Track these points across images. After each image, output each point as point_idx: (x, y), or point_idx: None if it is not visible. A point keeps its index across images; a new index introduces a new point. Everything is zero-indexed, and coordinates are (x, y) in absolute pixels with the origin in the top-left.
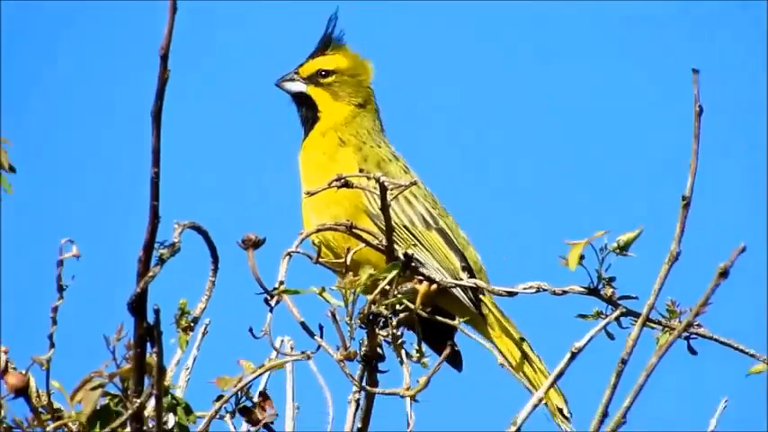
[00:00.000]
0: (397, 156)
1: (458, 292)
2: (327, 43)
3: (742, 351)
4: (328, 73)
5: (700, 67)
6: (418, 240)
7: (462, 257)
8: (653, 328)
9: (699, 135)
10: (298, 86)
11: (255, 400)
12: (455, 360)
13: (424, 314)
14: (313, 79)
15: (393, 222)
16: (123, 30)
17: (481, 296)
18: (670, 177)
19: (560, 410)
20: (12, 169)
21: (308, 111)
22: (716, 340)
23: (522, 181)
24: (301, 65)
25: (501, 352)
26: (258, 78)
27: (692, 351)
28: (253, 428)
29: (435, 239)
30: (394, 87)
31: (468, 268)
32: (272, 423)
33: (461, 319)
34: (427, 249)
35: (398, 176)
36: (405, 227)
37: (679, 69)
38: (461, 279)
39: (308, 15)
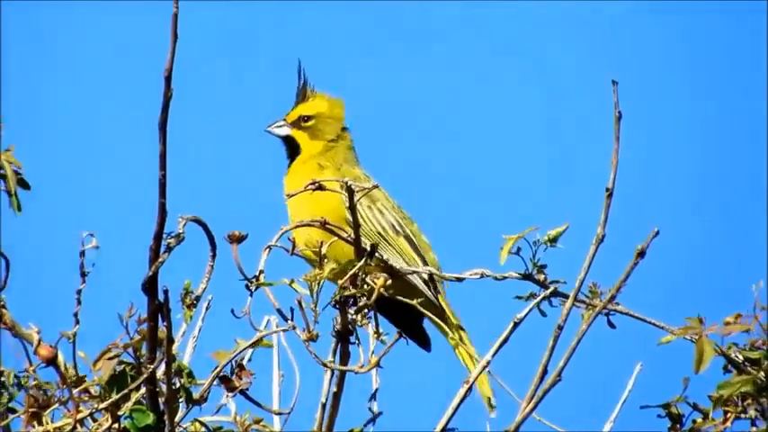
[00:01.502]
0: (369, 176)
1: (414, 278)
2: (305, 90)
3: (654, 324)
4: (309, 118)
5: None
6: (389, 244)
7: (423, 260)
8: (578, 307)
9: (619, 137)
10: (284, 131)
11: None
12: (425, 342)
13: (374, 309)
14: (296, 123)
15: (369, 228)
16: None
17: (438, 295)
18: (595, 173)
19: (489, 399)
20: (27, 186)
21: (291, 148)
22: (631, 315)
23: (474, 180)
24: (288, 112)
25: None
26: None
27: (612, 326)
28: (230, 394)
29: (403, 244)
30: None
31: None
32: (247, 389)
33: (417, 300)
34: (397, 252)
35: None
36: (378, 233)
37: (603, 78)
38: (418, 267)
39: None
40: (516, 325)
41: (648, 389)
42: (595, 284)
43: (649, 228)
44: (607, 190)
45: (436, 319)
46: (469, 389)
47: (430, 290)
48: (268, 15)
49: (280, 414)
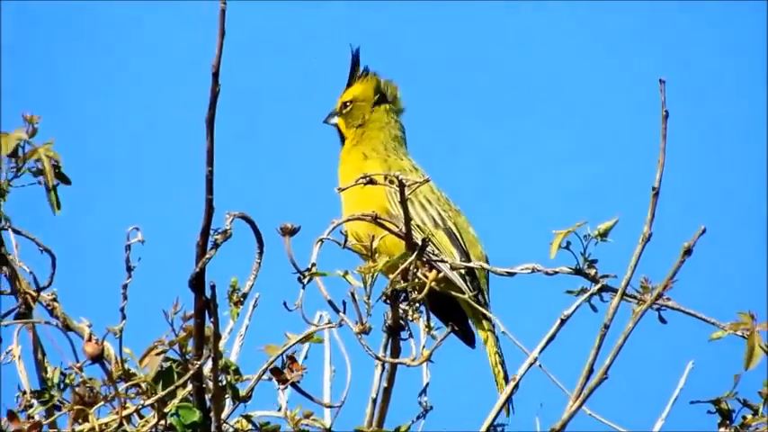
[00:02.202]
0: (417, 167)
1: (453, 274)
2: (352, 76)
3: (705, 320)
4: (345, 105)
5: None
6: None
7: (463, 254)
8: (629, 301)
9: (666, 135)
10: (334, 120)
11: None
12: (469, 340)
13: (426, 301)
14: (340, 111)
15: None
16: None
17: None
18: (642, 172)
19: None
20: (67, 181)
21: (340, 136)
22: (682, 311)
23: (525, 177)
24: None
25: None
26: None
27: (663, 320)
28: (282, 386)
29: (442, 237)
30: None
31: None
32: (298, 382)
33: (470, 294)
34: (435, 245)
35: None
36: (417, 226)
37: (649, 76)
38: (465, 263)
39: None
40: (563, 322)
41: (698, 385)
42: (647, 279)
43: (692, 225)
44: (653, 189)
45: (491, 315)
46: (516, 385)
47: (467, 283)
48: (314, 9)
49: (330, 408)
